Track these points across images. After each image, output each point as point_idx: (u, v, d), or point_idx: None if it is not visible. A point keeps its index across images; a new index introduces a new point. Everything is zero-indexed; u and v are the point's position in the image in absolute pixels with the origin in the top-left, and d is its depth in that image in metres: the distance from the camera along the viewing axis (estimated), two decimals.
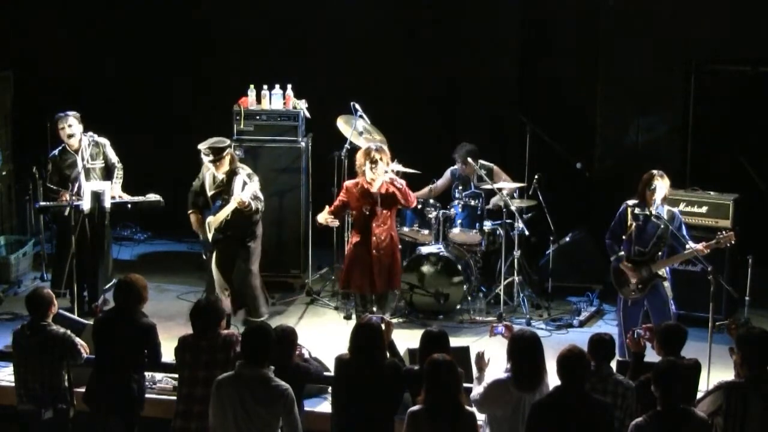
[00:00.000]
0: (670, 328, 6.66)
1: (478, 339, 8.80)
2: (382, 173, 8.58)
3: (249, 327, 6.56)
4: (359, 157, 8.71)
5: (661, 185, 8.13)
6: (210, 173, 8.93)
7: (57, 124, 9.27)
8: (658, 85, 10.97)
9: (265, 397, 6.07)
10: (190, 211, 9.13)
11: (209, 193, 8.98)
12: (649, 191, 8.11)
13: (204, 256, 9.29)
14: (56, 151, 9.38)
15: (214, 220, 8.90)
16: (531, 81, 11.26)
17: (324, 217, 8.88)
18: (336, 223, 9.03)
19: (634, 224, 8.18)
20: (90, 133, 9.36)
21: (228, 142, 8.98)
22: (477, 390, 6.27)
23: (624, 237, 8.25)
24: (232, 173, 8.84)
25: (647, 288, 8.20)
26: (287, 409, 6.08)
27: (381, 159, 8.55)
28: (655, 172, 8.18)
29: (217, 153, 8.77)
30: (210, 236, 8.96)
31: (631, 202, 8.24)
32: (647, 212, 8.10)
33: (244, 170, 8.92)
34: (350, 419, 6.42)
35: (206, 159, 8.82)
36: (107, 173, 9.40)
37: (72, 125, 9.24)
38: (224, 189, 8.85)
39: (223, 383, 6.17)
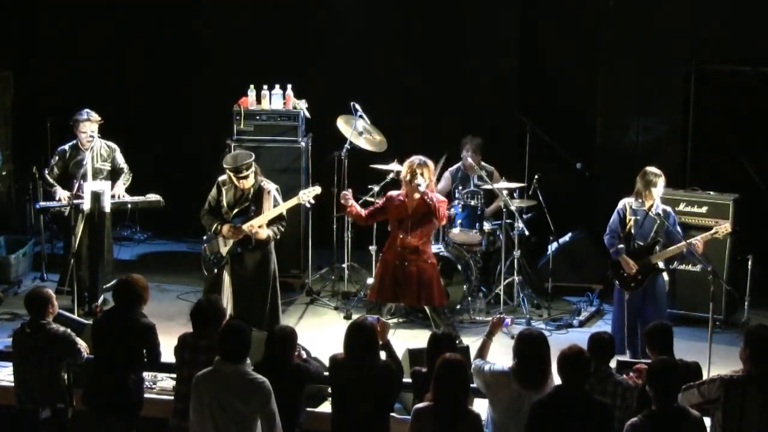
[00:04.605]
0: (653, 328, 6.63)
1: (478, 339, 8.77)
2: (416, 187, 8.34)
3: (226, 325, 6.47)
4: (404, 166, 8.49)
5: (661, 183, 8.35)
6: (230, 190, 8.50)
7: (78, 123, 9.26)
8: (658, 85, 10.97)
9: (241, 391, 6.06)
10: (217, 225, 8.43)
11: (231, 212, 8.46)
12: (648, 189, 8.33)
13: (206, 272, 8.67)
14: (67, 146, 9.40)
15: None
16: (531, 81, 11.26)
17: (349, 199, 8.50)
18: (348, 200, 8.50)
19: (632, 220, 8.41)
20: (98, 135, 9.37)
21: (252, 154, 8.59)
22: (482, 365, 6.29)
23: (622, 234, 8.47)
24: (259, 188, 8.49)
25: (646, 279, 8.38)
26: (263, 401, 6.06)
27: (422, 174, 8.35)
28: (653, 170, 8.36)
29: (250, 167, 8.42)
30: (225, 250, 8.52)
31: (628, 200, 8.48)
32: (645, 209, 8.32)
33: (268, 183, 8.55)
34: (344, 419, 6.46)
35: (246, 174, 8.33)
36: (113, 177, 9.40)
37: (94, 130, 9.27)
38: (254, 205, 8.44)
39: (201, 379, 6.18)
